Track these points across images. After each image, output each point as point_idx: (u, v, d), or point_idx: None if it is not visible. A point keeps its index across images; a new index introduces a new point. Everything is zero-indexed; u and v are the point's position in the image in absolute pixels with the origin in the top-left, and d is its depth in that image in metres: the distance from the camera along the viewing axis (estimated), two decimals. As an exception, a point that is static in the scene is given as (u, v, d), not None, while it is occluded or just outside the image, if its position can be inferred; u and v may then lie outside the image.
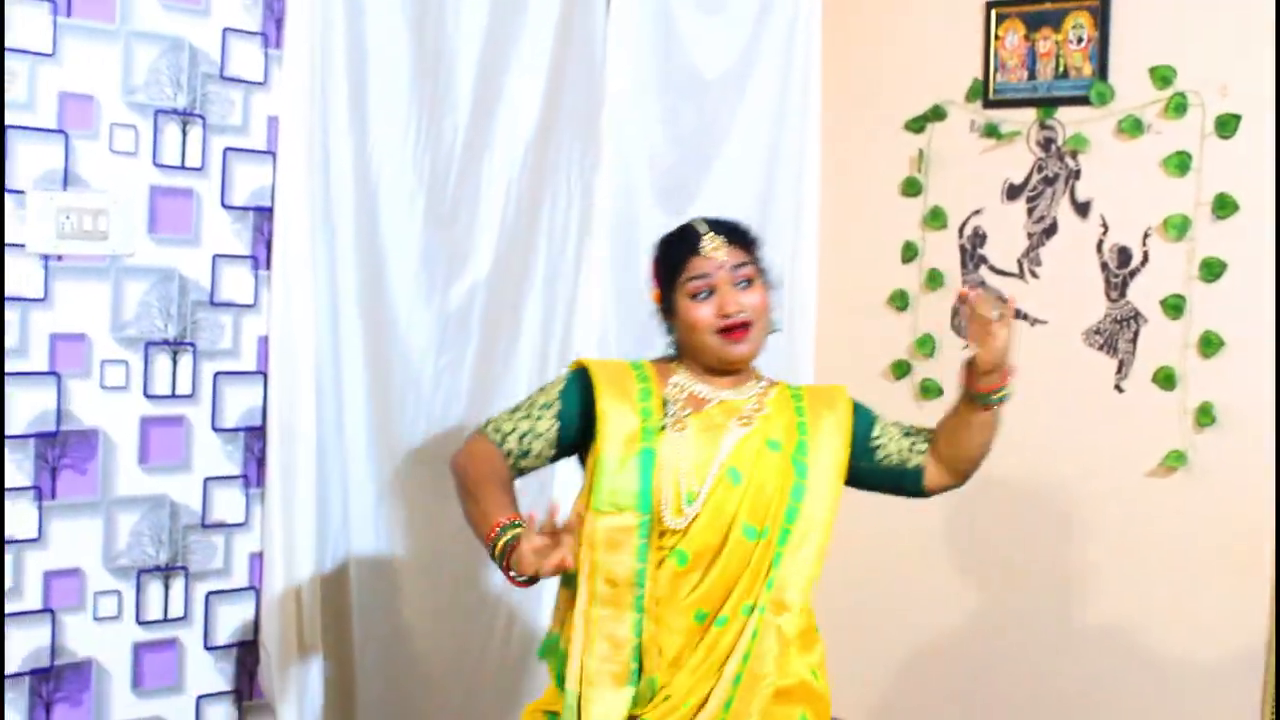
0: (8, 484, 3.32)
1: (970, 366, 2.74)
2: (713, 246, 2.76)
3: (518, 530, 2.53)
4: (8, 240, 3.26)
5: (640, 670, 2.62)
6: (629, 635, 2.60)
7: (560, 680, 2.71)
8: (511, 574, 2.53)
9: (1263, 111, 3.96)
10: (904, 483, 2.92)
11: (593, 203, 4.40)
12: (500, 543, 2.55)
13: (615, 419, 2.71)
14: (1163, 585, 4.18)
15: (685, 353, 2.84)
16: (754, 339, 2.77)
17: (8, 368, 3.30)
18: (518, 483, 2.87)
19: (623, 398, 2.74)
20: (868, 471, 2.90)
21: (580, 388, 2.83)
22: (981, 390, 2.72)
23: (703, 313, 2.74)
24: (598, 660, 2.61)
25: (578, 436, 2.82)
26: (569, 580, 2.70)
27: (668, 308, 2.84)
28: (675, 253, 2.83)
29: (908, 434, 2.92)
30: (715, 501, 2.68)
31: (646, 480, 2.64)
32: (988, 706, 4.58)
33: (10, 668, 3.36)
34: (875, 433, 2.89)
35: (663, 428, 2.71)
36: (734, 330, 2.73)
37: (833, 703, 4.87)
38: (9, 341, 3.29)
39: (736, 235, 2.83)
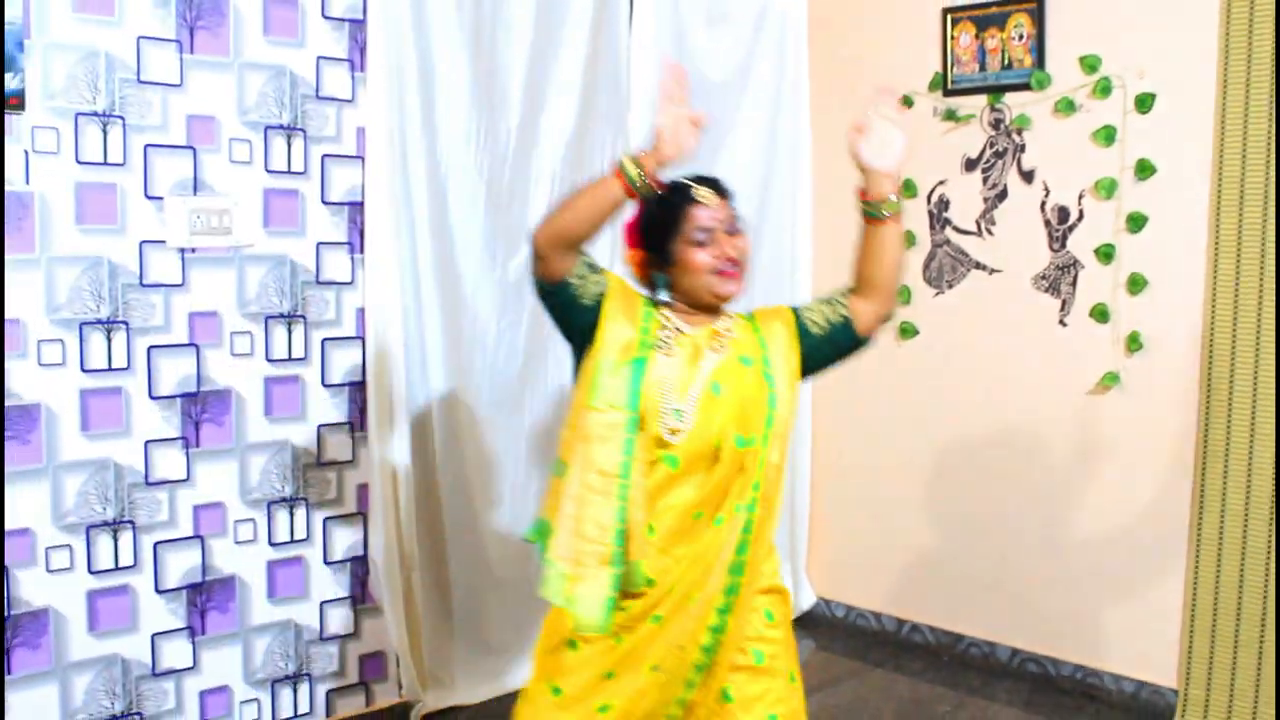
0: (160, 436, 3.42)
1: (865, 185, 2.55)
2: (708, 197, 2.57)
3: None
4: (152, 238, 3.35)
5: (622, 554, 2.46)
6: (613, 521, 2.46)
7: (543, 551, 2.55)
8: (646, 169, 2.39)
9: (1173, 90, 3.96)
10: (842, 339, 2.63)
11: (624, 188, 4.43)
12: (627, 157, 2.41)
13: (614, 329, 2.55)
14: (1103, 483, 4.23)
15: (677, 294, 2.63)
16: (742, 279, 2.59)
17: (158, 341, 3.39)
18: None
19: (629, 314, 2.57)
20: (813, 350, 2.63)
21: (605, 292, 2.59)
22: (875, 199, 2.52)
23: (702, 257, 2.54)
24: (587, 542, 2.46)
25: (588, 319, 2.58)
26: (561, 471, 2.57)
27: (662, 257, 2.60)
28: (673, 207, 2.58)
29: (826, 301, 2.66)
30: (702, 413, 2.51)
31: (636, 385, 2.48)
32: (960, 583, 4.66)
33: (172, 583, 3.48)
34: (804, 315, 2.65)
35: (655, 347, 2.55)
36: (728, 271, 2.56)
37: (848, 589, 4.97)
38: (156, 320, 3.38)
39: (721, 189, 2.63)
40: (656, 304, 2.63)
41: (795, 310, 2.67)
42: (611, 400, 2.48)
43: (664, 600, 2.52)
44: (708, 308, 2.62)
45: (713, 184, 2.63)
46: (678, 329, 2.60)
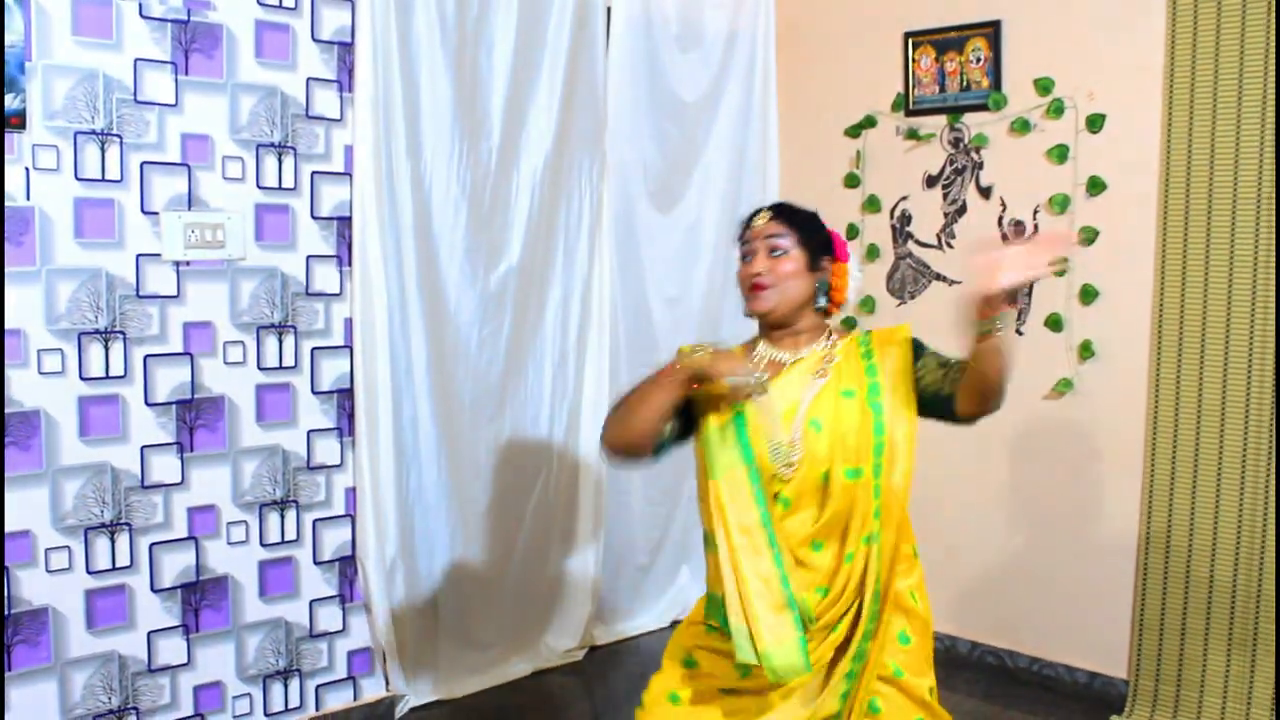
0: (155, 441, 3.43)
1: (975, 302, 2.32)
2: (759, 219, 2.54)
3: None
4: (148, 252, 3.36)
5: (792, 595, 2.41)
6: (773, 569, 2.40)
7: (726, 626, 2.43)
8: (684, 366, 2.38)
9: (1122, 111, 4.02)
10: (940, 409, 2.51)
11: (600, 203, 4.46)
12: (684, 351, 2.42)
13: (708, 399, 2.50)
14: (1057, 483, 4.27)
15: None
16: (771, 299, 2.50)
17: (153, 350, 3.40)
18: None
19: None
20: (917, 394, 2.52)
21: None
22: (979, 318, 2.29)
23: (741, 271, 2.53)
24: (754, 597, 2.39)
25: (685, 412, 2.51)
26: (710, 543, 2.51)
27: None
28: (741, 225, 2.60)
29: (943, 365, 2.51)
30: (806, 448, 2.44)
31: (744, 439, 2.45)
32: (929, 577, 4.64)
33: (167, 583, 3.49)
34: (918, 364, 2.52)
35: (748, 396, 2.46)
36: (755, 288, 2.50)
37: None
38: (152, 330, 3.39)
39: (783, 214, 2.55)
40: (745, 345, 2.61)
41: (917, 346, 2.55)
42: (728, 463, 2.46)
43: (813, 637, 2.46)
44: (781, 327, 2.56)
45: (778, 209, 2.58)
46: (770, 361, 2.55)
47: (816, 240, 2.56)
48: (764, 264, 2.50)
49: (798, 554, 2.47)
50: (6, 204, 3.10)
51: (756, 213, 2.58)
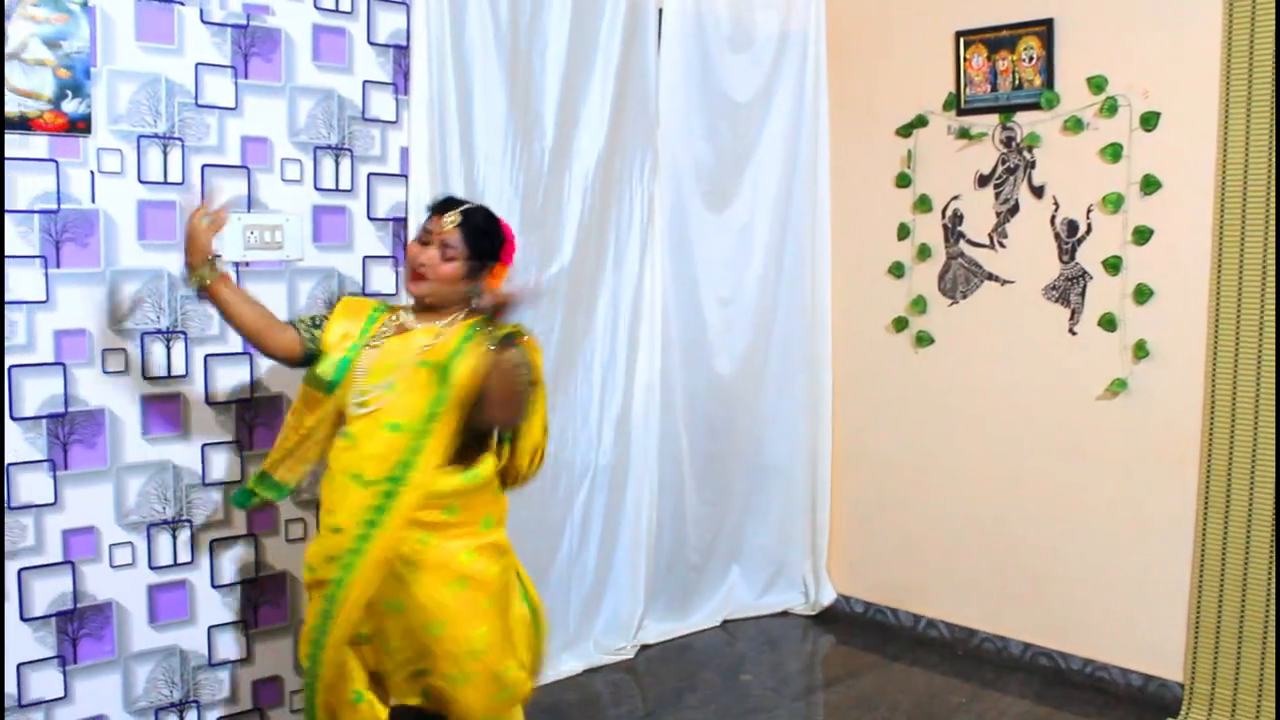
0: (215, 439, 3.48)
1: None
2: (450, 220, 2.95)
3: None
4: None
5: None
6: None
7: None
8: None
9: (1177, 109, 3.99)
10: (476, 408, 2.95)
11: (652, 204, 4.48)
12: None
13: (337, 327, 3.04)
14: (1111, 484, 4.25)
15: None
16: (427, 289, 2.95)
17: (213, 350, 3.46)
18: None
19: (351, 317, 3.06)
20: None
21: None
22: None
23: (412, 249, 2.99)
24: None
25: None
26: None
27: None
28: (430, 208, 3.05)
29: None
30: (375, 402, 2.90)
31: (340, 373, 2.97)
32: (974, 580, 4.68)
33: (227, 579, 3.55)
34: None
35: (366, 345, 2.98)
36: (416, 275, 2.95)
37: (867, 586, 4.96)
38: (213, 330, 3.45)
39: (466, 227, 2.96)
40: (401, 307, 3.09)
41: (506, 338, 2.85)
42: (318, 381, 3.03)
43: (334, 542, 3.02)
44: (429, 308, 3.01)
45: (470, 222, 2.98)
46: (400, 325, 3.02)
47: (484, 256, 3.01)
48: (431, 259, 2.95)
49: (339, 480, 2.95)
50: (73, 206, 3.18)
51: (449, 206, 3.01)
